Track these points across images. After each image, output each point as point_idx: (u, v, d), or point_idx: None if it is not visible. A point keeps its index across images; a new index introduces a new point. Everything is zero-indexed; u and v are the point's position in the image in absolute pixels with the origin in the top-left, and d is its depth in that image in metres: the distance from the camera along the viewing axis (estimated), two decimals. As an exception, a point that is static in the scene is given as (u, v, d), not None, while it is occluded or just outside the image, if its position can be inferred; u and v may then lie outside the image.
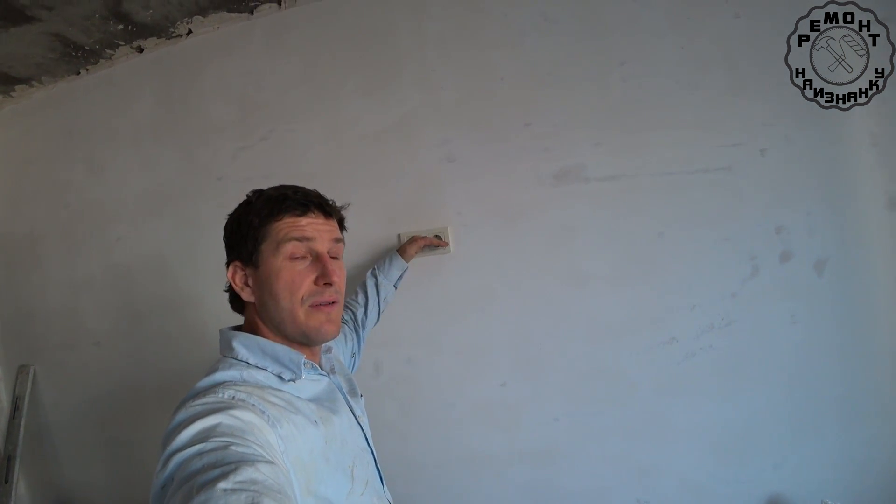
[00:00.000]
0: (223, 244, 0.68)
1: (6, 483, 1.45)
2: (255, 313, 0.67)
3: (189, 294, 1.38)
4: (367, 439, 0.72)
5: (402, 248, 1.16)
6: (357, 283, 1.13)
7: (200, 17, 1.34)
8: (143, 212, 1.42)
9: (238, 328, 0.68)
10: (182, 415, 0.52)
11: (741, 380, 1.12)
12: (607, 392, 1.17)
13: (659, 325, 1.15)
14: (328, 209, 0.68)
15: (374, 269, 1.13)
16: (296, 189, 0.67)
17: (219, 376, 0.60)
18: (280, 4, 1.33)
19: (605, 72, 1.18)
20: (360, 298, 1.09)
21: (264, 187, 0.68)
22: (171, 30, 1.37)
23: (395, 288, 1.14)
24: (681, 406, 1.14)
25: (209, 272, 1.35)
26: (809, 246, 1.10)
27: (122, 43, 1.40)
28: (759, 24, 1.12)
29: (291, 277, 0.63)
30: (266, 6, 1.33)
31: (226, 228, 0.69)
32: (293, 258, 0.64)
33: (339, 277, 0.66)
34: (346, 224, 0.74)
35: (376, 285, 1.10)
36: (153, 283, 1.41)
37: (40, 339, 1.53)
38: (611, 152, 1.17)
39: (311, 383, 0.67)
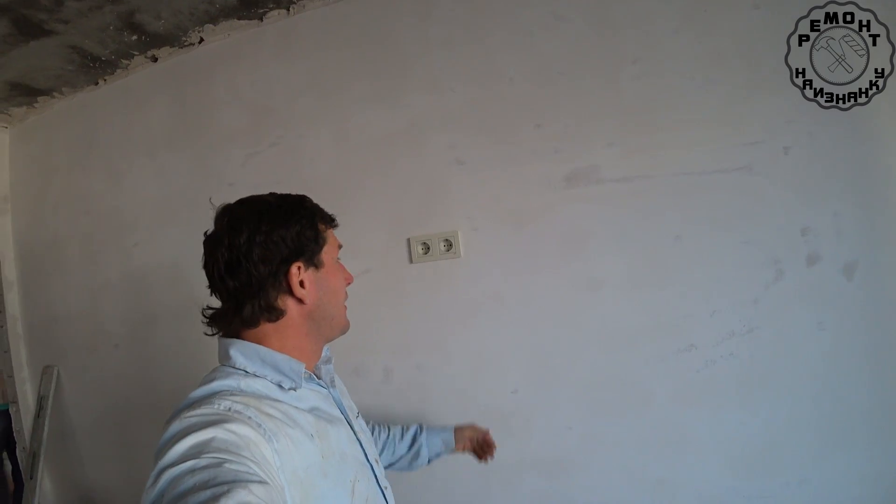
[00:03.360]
0: None
1: (31, 479, 1.50)
2: (296, 316, 0.65)
3: (201, 300, 1.40)
4: (366, 455, 0.71)
5: (460, 430, 1.02)
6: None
7: (211, 26, 1.36)
8: (158, 218, 1.45)
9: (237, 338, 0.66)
10: (175, 426, 0.51)
11: (764, 390, 1.07)
12: (622, 401, 1.13)
13: (676, 331, 1.11)
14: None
15: (420, 426, 1.01)
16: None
17: (216, 385, 0.59)
18: (289, 11, 1.33)
19: (617, 70, 1.14)
20: (394, 433, 0.98)
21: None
22: (184, 38, 1.40)
23: (426, 462, 0.98)
24: (699, 416, 1.09)
25: (222, 277, 1.36)
26: (838, 249, 1.04)
27: (137, 53, 1.43)
28: (780, 14, 1.06)
29: (343, 278, 0.73)
30: (275, 13, 1.34)
31: (276, 220, 0.65)
32: (338, 262, 0.73)
33: None
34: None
35: (413, 441, 0.98)
36: (168, 288, 1.44)
37: (64, 342, 1.58)
38: (624, 153, 1.13)
39: (310, 393, 0.67)
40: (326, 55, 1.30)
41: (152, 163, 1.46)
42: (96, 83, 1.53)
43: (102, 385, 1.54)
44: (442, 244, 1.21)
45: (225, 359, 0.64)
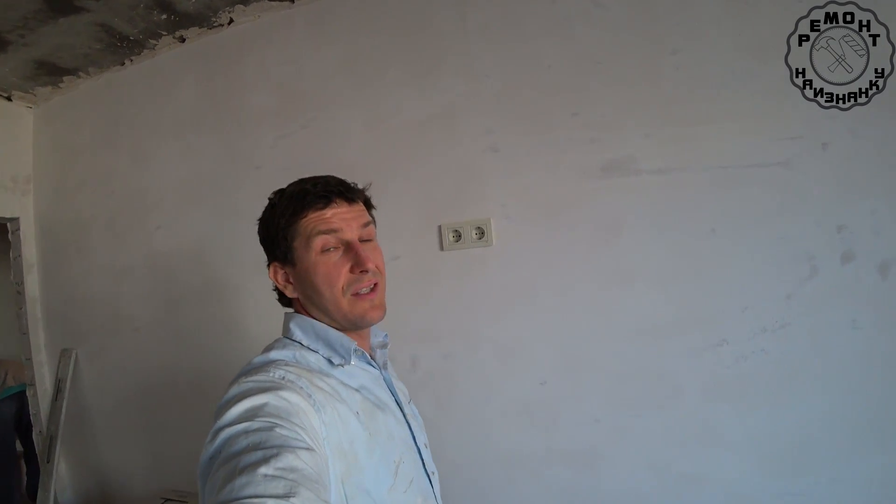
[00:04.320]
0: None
1: (48, 462, 1.49)
2: (301, 308, 0.70)
3: (225, 284, 1.40)
4: (414, 439, 0.71)
5: None
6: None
7: (242, 6, 1.35)
8: (182, 201, 1.44)
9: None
10: (234, 390, 0.55)
11: (796, 386, 1.06)
12: (651, 395, 1.12)
13: (708, 326, 1.10)
14: (351, 195, 0.68)
15: None
16: (315, 181, 0.67)
17: (273, 354, 0.63)
18: (321, -7, 1.32)
19: (656, 60, 1.13)
20: None
21: (303, 176, 0.69)
22: (213, 19, 1.38)
23: None
24: (729, 412, 1.09)
25: (246, 262, 1.35)
26: (874, 247, 1.03)
27: (165, 33, 1.42)
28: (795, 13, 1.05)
29: (327, 270, 0.64)
30: (307, -5, 1.33)
31: (258, 233, 0.70)
32: (325, 251, 0.64)
33: (374, 261, 0.66)
34: (380, 207, 0.75)
35: None
36: (190, 271, 1.43)
37: (83, 324, 1.57)
38: (661, 144, 1.13)
39: (360, 371, 0.68)
40: (360, 39, 1.29)
41: (179, 144, 1.45)
42: (123, 63, 1.52)
43: (122, 368, 1.53)
44: (474, 232, 1.20)
45: (286, 331, 0.68)
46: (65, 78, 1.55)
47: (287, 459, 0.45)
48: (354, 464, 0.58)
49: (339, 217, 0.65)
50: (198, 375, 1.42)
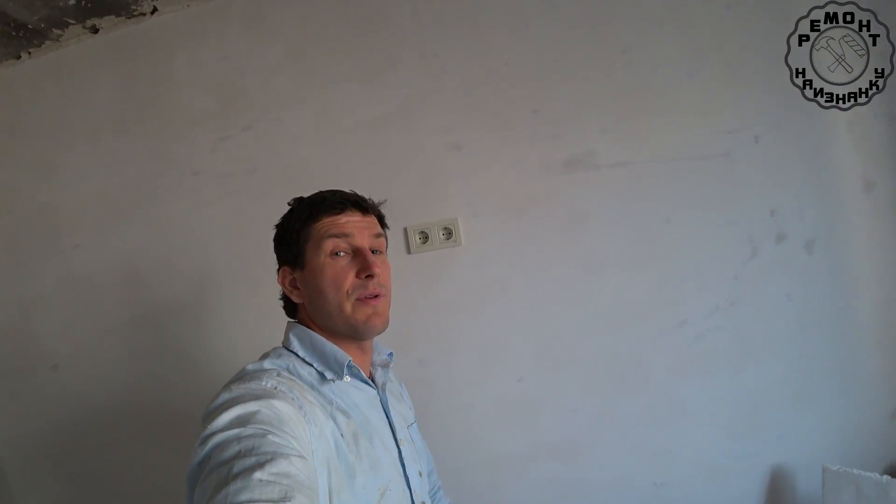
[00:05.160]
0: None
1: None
2: (305, 314, 0.70)
3: (167, 305, 1.24)
4: (404, 466, 0.70)
5: None
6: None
7: (168, -6, 1.20)
8: (105, 215, 1.26)
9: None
10: (224, 396, 0.55)
11: (746, 357, 1.16)
12: (623, 379, 1.17)
13: (669, 308, 1.17)
14: (365, 206, 0.72)
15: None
16: (333, 191, 0.72)
17: (267, 363, 0.64)
18: (260, -18, 1.21)
19: (608, 58, 1.18)
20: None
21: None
22: (133, 7, 1.22)
23: None
24: (692, 387, 1.16)
25: (191, 279, 1.22)
26: (800, 227, 1.15)
27: (74, 21, 1.22)
28: (750, 15, 1.15)
29: (335, 272, 0.66)
30: (243, -16, 1.21)
31: (274, 239, 0.73)
32: (334, 254, 0.66)
33: (382, 270, 0.68)
34: (385, 221, 0.78)
35: None
36: (122, 295, 1.26)
37: (-17, 366, 1.32)
38: (618, 139, 1.17)
39: (353, 390, 0.68)
40: (305, 31, 1.21)
41: (95, 150, 1.26)
42: (18, 56, 1.29)
43: (38, 413, 1.31)
44: (441, 232, 1.18)
45: (285, 340, 0.70)
46: (-64, 73, 1.29)
47: (281, 465, 0.45)
48: (339, 485, 0.57)
49: (352, 224, 0.68)
50: (135, 411, 1.26)
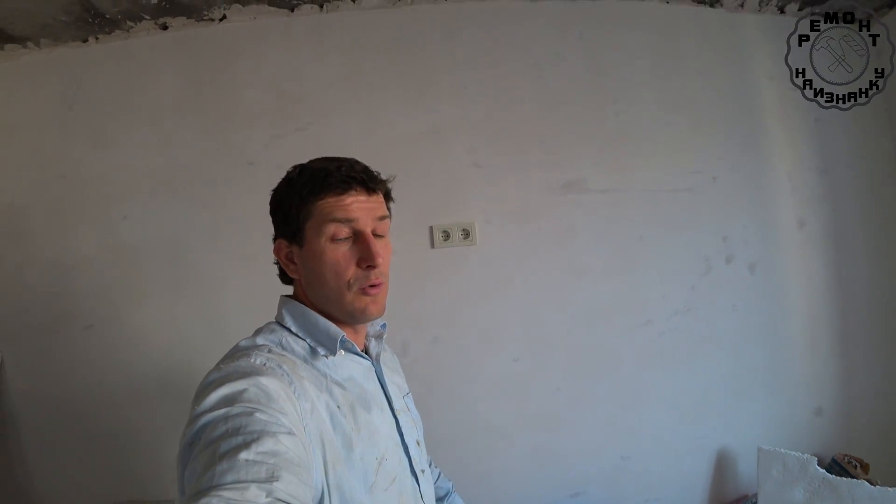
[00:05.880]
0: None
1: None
2: (301, 290, 0.69)
3: (207, 278, 1.38)
4: (401, 435, 0.69)
5: None
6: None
7: (239, 6, 1.38)
8: (158, 190, 1.38)
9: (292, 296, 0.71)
10: (214, 375, 0.55)
11: (698, 355, 1.44)
12: (599, 365, 1.41)
13: (638, 310, 1.43)
14: (372, 185, 0.67)
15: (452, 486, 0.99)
16: (340, 164, 0.65)
17: (260, 339, 0.64)
18: (322, 7, 1.42)
19: (602, 105, 1.46)
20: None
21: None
22: (205, 12, 1.39)
23: None
24: (655, 377, 1.42)
25: (233, 256, 1.36)
26: (745, 252, 1.47)
27: (148, 17, 1.37)
28: (715, 80, 1.48)
29: (336, 259, 0.63)
30: (307, 6, 1.41)
31: (270, 204, 0.69)
32: (335, 239, 0.63)
33: (384, 258, 0.65)
34: (391, 195, 0.73)
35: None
36: (165, 262, 1.38)
37: (12, 324, 1.38)
38: (606, 170, 1.45)
39: (348, 362, 0.67)
40: (359, 55, 1.42)
41: (154, 132, 1.39)
42: (86, 40, 1.42)
43: (65, 372, 1.38)
44: (460, 232, 1.39)
45: (278, 315, 0.69)
46: (7, 46, 1.39)
47: (268, 444, 0.45)
48: (334, 457, 0.57)
49: (357, 206, 0.63)
50: (166, 374, 1.36)
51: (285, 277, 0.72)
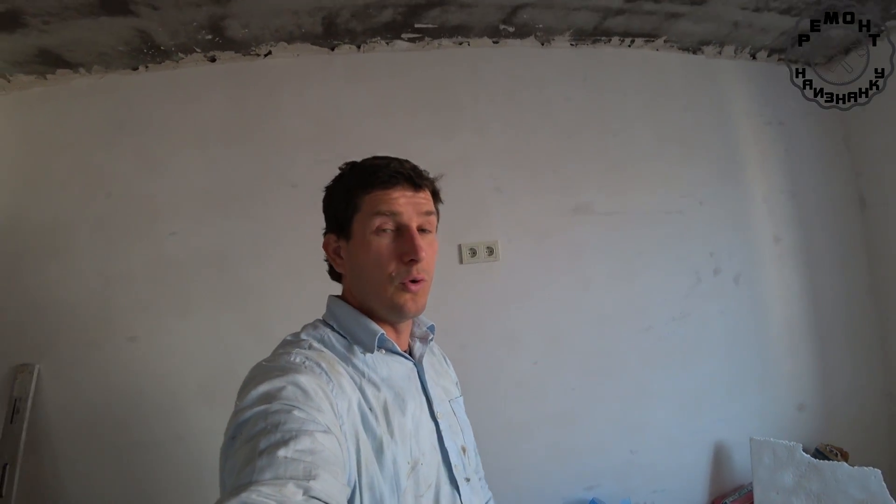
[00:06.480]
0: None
1: (0, 496, 1.29)
2: (347, 285, 0.71)
3: (251, 290, 1.47)
4: (441, 441, 0.67)
5: None
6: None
7: (285, 44, 1.53)
8: (204, 208, 1.47)
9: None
10: (255, 371, 0.58)
11: (693, 357, 1.64)
12: (608, 366, 1.58)
13: (640, 316, 1.62)
14: (419, 181, 0.68)
15: None
16: (388, 161, 0.67)
17: (304, 334, 0.66)
18: (359, 48, 1.58)
19: (605, 138, 1.68)
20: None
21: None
22: (253, 49, 1.52)
23: None
24: (657, 377, 1.60)
25: (276, 270, 1.46)
26: (730, 265, 1.69)
27: (199, 50, 1.49)
28: (701, 115, 1.73)
29: (379, 251, 0.64)
30: (346, 47, 1.57)
31: (324, 201, 0.72)
32: (380, 232, 0.64)
33: (428, 253, 0.65)
34: (440, 196, 0.75)
35: None
36: (211, 276, 1.46)
37: (50, 336, 1.42)
38: (610, 195, 1.65)
39: (388, 362, 0.67)
40: (392, 90, 1.58)
41: (202, 154, 1.49)
42: (136, 68, 1.52)
43: (104, 383, 1.42)
44: (485, 250, 1.55)
45: (326, 312, 0.72)
46: (58, 71, 1.47)
47: (305, 442, 0.46)
48: (367, 457, 0.57)
49: (402, 200, 0.64)
50: (209, 382, 1.43)
51: (333, 273, 0.73)
